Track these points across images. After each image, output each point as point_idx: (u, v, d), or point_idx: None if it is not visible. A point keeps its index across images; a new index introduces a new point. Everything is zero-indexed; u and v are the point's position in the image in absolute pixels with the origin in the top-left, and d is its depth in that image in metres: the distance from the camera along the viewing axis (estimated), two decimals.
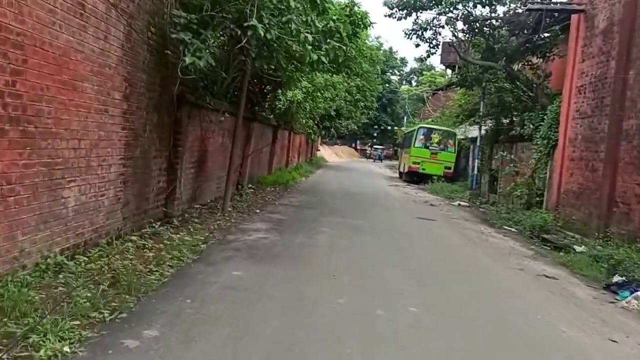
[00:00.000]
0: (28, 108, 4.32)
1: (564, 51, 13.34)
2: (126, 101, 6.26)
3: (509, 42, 16.16)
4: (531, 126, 14.53)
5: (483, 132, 19.91)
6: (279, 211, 11.02)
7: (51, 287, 4.39)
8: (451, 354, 4.10)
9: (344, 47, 8.98)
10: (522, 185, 14.23)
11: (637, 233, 8.43)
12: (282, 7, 7.48)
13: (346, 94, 26.18)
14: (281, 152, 21.79)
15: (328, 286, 5.62)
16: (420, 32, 17.35)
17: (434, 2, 16.52)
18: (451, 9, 16.44)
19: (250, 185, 14.61)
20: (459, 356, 4.08)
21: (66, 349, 3.31)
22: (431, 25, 17.17)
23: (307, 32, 7.50)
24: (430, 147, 25.15)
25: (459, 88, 21.40)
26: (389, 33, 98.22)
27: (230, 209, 10.01)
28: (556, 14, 13.43)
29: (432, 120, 32.03)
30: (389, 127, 65.96)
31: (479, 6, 16.25)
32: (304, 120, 21.94)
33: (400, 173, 30.35)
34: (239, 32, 7.27)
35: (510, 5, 16.36)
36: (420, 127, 27.29)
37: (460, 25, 17.17)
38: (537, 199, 13.54)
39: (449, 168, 24.89)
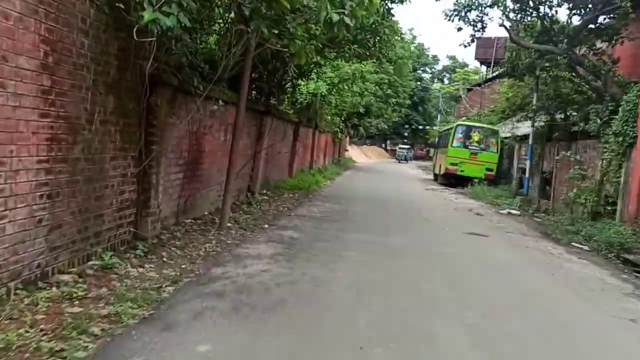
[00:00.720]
0: None
1: (635, 33, 11.03)
2: (48, 74, 4.16)
3: (569, 23, 13.67)
4: (598, 121, 12.07)
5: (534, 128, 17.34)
6: (294, 226, 8.76)
7: None
8: None
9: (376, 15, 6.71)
10: (588, 191, 11.88)
11: None
12: None
13: (376, 87, 23.79)
14: (304, 153, 19.53)
15: None
16: (463, 13, 14.89)
17: None
18: None
19: (264, 192, 12.46)
20: None
21: None
22: (477, 3, 14.68)
23: None
24: (469, 147, 22.53)
25: (505, 79, 18.75)
26: (421, 29, 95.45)
27: (229, 225, 7.86)
28: None
29: (469, 118, 29.32)
30: (421, 127, 63.67)
31: None
32: (329, 117, 19.70)
33: (435, 175, 27.75)
34: None
35: None
36: (459, 125, 24.54)
37: (510, 3, 14.64)
38: (608, 207, 11.46)
39: (491, 170, 22.20)
